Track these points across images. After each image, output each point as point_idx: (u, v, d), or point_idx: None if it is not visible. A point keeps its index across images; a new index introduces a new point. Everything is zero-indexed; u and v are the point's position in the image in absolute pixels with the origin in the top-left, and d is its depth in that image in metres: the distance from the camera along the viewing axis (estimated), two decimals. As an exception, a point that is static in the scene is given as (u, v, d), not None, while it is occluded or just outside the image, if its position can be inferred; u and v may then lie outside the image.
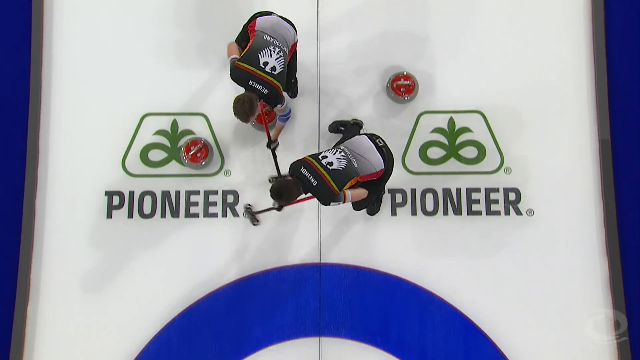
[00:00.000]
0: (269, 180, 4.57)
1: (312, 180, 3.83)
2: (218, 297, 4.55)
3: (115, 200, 4.67)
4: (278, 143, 4.48)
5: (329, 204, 3.91)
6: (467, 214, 4.68)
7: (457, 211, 4.69)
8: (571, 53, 4.89)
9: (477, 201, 4.68)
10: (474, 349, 4.49)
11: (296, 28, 4.25)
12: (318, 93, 4.82)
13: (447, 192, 4.71)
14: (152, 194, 4.69)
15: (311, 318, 4.52)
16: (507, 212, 4.66)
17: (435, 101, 4.83)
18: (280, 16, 4.23)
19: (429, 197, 4.71)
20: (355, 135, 4.15)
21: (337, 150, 3.98)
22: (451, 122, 4.79)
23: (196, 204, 4.69)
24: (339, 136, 4.54)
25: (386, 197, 4.70)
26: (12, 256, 4.56)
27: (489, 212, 4.67)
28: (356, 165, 3.93)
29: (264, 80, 3.98)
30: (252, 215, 4.56)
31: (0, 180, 4.72)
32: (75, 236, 4.60)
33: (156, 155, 4.75)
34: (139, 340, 4.47)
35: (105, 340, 4.48)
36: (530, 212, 4.65)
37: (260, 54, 4.02)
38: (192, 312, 4.52)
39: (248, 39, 4.15)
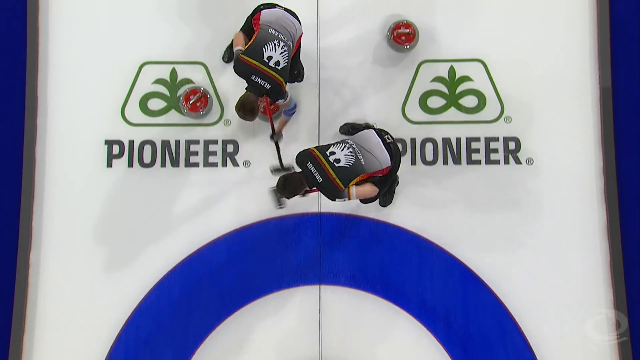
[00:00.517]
0: (271, 171, 4.52)
1: (318, 176, 3.83)
2: (219, 246, 4.58)
3: (115, 149, 4.65)
4: (282, 136, 4.43)
5: (334, 200, 3.93)
6: (467, 163, 4.68)
7: (457, 160, 4.68)
8: (572, 1, 4.83)
9: (477, 150, 4.68)
10: (472, 297, 4.53)
11: (300, 21, 4.20)
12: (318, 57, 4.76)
13: (446, 141, 4.70)
14: (152, 144, 4.68)
15: (311, 266, 4.56)
16: (506, 161, 4.66)
17: (436, 50, 4.78)
18: (284, 9, 4.17)
19: (429, 147, 4.70)
20: (364, 129, 4.13)
21: (345, 146, 3.95)
22: (452, 70, 4.76)
23: (196, 153, 4.68)
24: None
25: (386, 147, 4.70)
26: (14, 205, 4.57)
27: (488, 161, 4.67)
28: (363, 163, 3.92)
29: (267, 75, 3.94)
30: (278, 200, 4.50)
31: (-1, 129, 4.73)
32: (76, 185, 4.60)
33: (155, 104, 4.73)
34: (141, 288, 4.50)
35: (107, 288, 4.51)
36: (529, 161, 4.65)
37: (264, 47, 3.97)
38: (193, 261, 4.55)
39: (252, 31, 4.10)
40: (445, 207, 4.64)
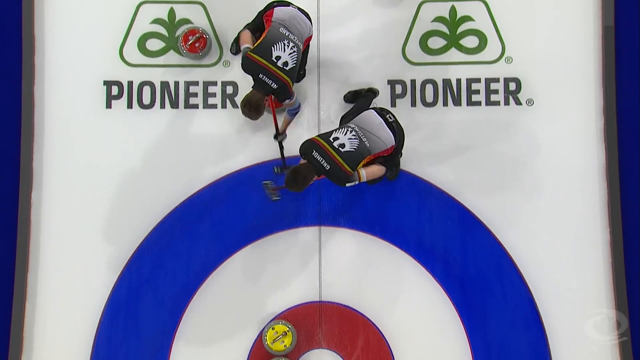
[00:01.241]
0: (274, 171, 4.52)
1: (325, 164, 3.81)
2: (219, 187, 4.59)
3: (114, 90, 4.62)
4: (286, 135, 4.39)
5: (345, 185, 3.91)
6: (467, 105, 4.65)
7: (457, 102, 4.66)
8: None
9: (477, 91, 4.65)
10: (471, 237, 4.56)
11: (312, 21, 4.14)
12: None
13: (447, 82, 4.67)
14: (151, 85, 4.65)
15: (311, 207, 4.57)
16: (506, 102, 4.64)
17: (437, -11, 4.72)
18: (297, 7, 4.10)
19: (429, 88, 4.67)
20: (364, 110, 4.08)
21: (347, 130, 3.91)
22: (452, 10, 4.69)
23: (195, 95, 4.65)
24: (344, 109, 4.43)
25: (385, 89, 4.67)
26: (14, 145, 4.56)
27: (488, 102, 4.65)
28: (368, 145, 3.89)
29: (275, 75, 3.89)
30: (271, 191, 4.52)
31: (-3, 68, 4.68)
32: (76, 125, 4.59)
33: (154, 44, 4.67)
34: (141, 229, 4.53)
35: (108, 228, 4.53)
36: (530, 102, 4.63)
37: (273, 47, 3.92)
38: (193, 202, 4.57)
39: (263, 28, 4.04)
40: (445, 148, 4.64)
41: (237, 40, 4.42)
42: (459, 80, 4.66)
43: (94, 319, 4.45)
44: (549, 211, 4.57)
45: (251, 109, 3.89)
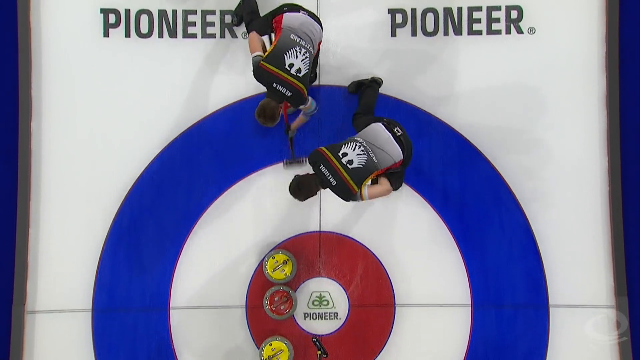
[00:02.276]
0: (284, 164, 4.49)
1: (331, 179, 3.78)
2: (219, 118, 4.57)
3: (112, 18, 4.55)
4: (296, 131, 4.37)
5: (348, 201, 3.89)
6: (468, 34, 4.60)
7: (458, 31, 4.59)
8: None
9: (478, 20, 4.58)
10: (470, 167, 4.57)
11: (322, 25, 4.07)
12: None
13: (448, 11, 4.59)
14: (149, 13, 4.57)
15: (310, 138, 4.55)
16: (508, 31, 4.58)
17: None
18: (308, 12, 4.03)
19: (430, 17, 4.59)
20: (372, 123, 4.00)
21: (355, 145, 3.85)
22: (453, -64, 4.58)
23: (194, 24, 4.59)
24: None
25: (386, 18, 4.61)
26: (11, 75, 4.52)
27: (489, 31, 4.59)
28: (376, 160, 3.85)
29: (288, 83, 3.85)
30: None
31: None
32: (74, 54, 4.54)
33: (151, -29, 4.57)
34: (142, 160, 4.53)
35: (107, 158, 4.53)
36: (531, 31, 4.57)
37: (286, 55, 3.85)
38: (194, 132, 4.56)
39: (271, 30, 4.01)
40: (445, 78, 4.60)
41: (238, 8, 4.41)
42: (460, 9, 4.58)
43: (96, 248, 4.50)
44: (549, 141, 4.58)
45: (266, 117, 3.88)
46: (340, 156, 3.81)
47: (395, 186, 4.30)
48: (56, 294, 4.45)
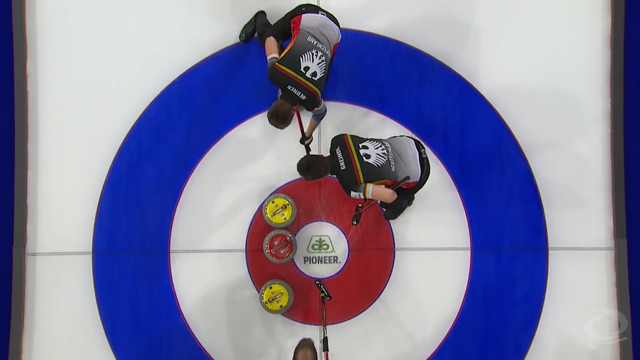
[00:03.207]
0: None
1: (342, 164, 3.72)
2: (218, 60, 4.51)
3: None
4: (312, 139, 4.27)
5: (349, 194, 3.77)
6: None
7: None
8: None
9: (480, -42, 4.47)
10: (471, 111, 4.52)
11: (340, 26, 3.95)
12: None
13: None
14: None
15: (310, 82, 4.50)
16: (508, -29, 4.48)
17: None
18: (327, 14, 3.91)
19: (432, -45, 4.48)
20: (404, 136, 3.92)
21: (380, 145, 3.77)
22: None
23: (192, -35, 4.49)
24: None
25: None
26: (4, 15, 4.44)
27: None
28: (392, 169, 3.76)
29: (303, 86, 3.76)
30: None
31: None
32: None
33: None
34: (140, 102, 4.49)
35: (106, 102, 4.49)
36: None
37: (301, 57, 3.76)
38: (192, 76, 4.50)
39: (289, 31, 3.89)
40: (447, 21, 4.52)
41: (248, 25, 4.36)
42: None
43: (95, 190, 4.48)
44: (552, 84, 4.53)
45: (279, 119, 3.79)
46: (360, 147, 3.76)
47: (389, 217, 4.41)
48: (56, 237, 4.46)
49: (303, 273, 4.51)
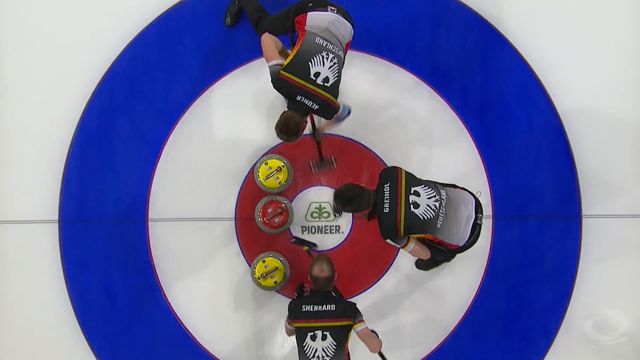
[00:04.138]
0: (310, 166, 4.05)
1: (386, 206, 3.29)
2: (200, 3, 4.12)
3: None
4: (324, 132, 3.92)
5: (386, 239, 3.35)
6: None
7: None
8: None
9: None
10: (493, 57, 4.10)
11: (352, 20, 3.56)
12: None
13: None
14: None
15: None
16: None
17: None
18: (337, 8, 3.50)
19: None
20: (465, 190, 3.49)
21: (435, 195, 3.33)
22: None
23: None
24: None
25: None
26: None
27: None
28: (438, 226, 3.32)
29: (315, 95, 3.39)
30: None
31: None
32: None
33: None
34: (111, 49, 4.10)
35: (72, 49, 4.11)
36: None
37: (311, 62, 3.38)
38: (172, 17, 4.13)
39: (292, 29, 3.51)
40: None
41: (231, 11, 4.01)
42: None
43: (61, 152, 4.10)
44: (586, 30, 4.11)
45: (289, 133, 3.42)
46: (412, 192, 3.33)
47: (422, 267, 4.04)
48: (18, 203, 4.11)
49: None
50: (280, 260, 4.00)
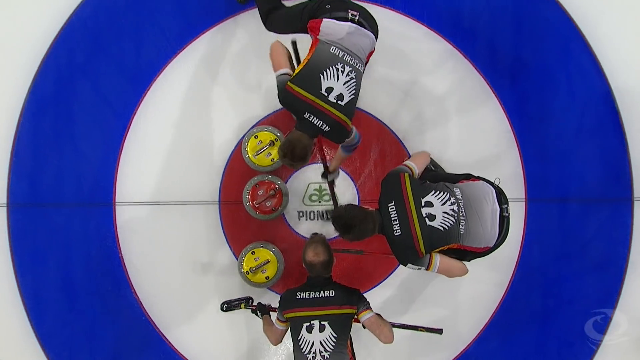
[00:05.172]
0: (322, 216, 3.67)
1: (396, 228, 2.86)
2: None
3: None
4: (338, 173, 3.55)
5: (405, 264, 2.94)
6: None
7: None
8: None
9: None
10: (528, 9, 3.57)
11: (377, 27, 3.11)
12: None
13: None
14: None
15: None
16: None
17: None
18: (360, 12, 3.02)
19: None
20: (481, 180, 3.05)
21: (448, 196, 2.88)
22: None
23: None
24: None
25: None
26: None
27: None
28: (462, 232, 2.89)
29: (326, 114, 2.98)
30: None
31: None
32: None
33: None
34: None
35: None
36: None
37: (323, 75, 2.97)
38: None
39: (305, 31, 3.06)
40: None
41: None
42: None
43: (10, 123, 3.63)
44: None
45: (295, 158, 3.02)
46: (423, 204, 2.90)
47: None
48: None
49: (297, 233, 3.72)
50: (272, 251, 3.62)
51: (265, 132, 3.56)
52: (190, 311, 3.66)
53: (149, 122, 3.64)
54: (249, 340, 3.67)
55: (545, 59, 3.64)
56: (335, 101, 2.99)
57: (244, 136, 3.59)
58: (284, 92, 3.02)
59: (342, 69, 2.99)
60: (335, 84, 2.98)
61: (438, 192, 2.91)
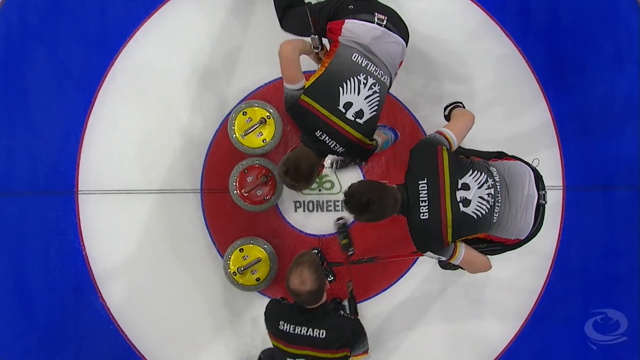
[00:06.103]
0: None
1: (423, 210, 2.52)
2: None
3: None
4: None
5: (424, 252, 2.65)
6: None
7: None
8: None
9: None
10: None
11: (408, 31, 2.81)
12: None
13: None
14: None
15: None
16: None
17: None
18: (388, 14, 2.70)
19: None
20: (521, 161, 2.75)
21: (485, 178, 2.55)
22: None
23: None
24: None
25: None
26: None
27: None
28: (494, 220, 2.58)
29: (341, 134, 2.67)
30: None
31: None
32: None
33: None
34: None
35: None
36: None
37: (342, 88, 2.64)
38: None
39: (321, 34, 2.75)
40: None
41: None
42: None
43: None
44: None
45: (299, 178, 2.71)
46: (459, 186, 2.56)
47: (447, 267, 3.32)
48: None
49: (293, 227, 3.38)
50: (264, 248, 3.27)
51: (256, 108, 3.21)
52: (167, 320, 3.32)
53: (117, 96, 3.29)
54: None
55: (584, 30, 3.26)
56: (353, 119, 2.67)
57: (230, 112, 3.24)
58: (296, 108, 2.70)
59: (365, 81, 2.68)
60: (355, 98, 2.67)
61: (476, 172, 2.56)
